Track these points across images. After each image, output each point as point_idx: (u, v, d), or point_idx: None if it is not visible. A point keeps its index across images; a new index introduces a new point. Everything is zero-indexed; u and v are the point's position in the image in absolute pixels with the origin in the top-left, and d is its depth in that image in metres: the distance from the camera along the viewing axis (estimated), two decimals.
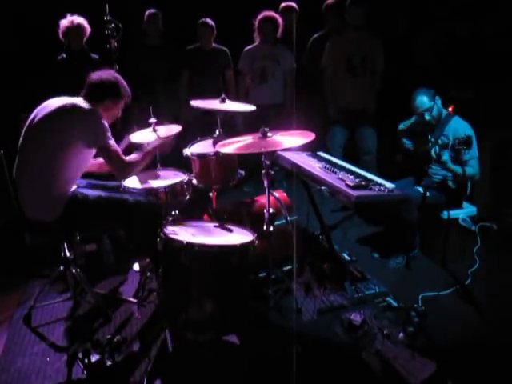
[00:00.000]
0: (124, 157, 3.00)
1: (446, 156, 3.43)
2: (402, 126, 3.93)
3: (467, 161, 3.49)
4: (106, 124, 2.92)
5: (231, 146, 2.73)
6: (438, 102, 3.59)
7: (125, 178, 3.19)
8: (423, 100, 3.55)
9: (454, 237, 3.68)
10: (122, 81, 3.07)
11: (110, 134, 2.92)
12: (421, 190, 3.61)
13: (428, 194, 3.53)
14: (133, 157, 3.08)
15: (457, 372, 2.66)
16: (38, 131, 2.88)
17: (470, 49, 4.84)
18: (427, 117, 3.57)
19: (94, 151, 2.94)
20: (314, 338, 2.97)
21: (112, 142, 2.93)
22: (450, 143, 3.36)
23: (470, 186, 3.73)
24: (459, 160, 3.50)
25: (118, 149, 2.99)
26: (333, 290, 3.40)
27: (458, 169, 3.49)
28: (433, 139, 3.58)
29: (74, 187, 2.99)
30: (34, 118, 2.92)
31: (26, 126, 2.94)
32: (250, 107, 3.57)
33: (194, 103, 3.56)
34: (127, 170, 3.04)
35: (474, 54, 4.76)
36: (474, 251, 3.70)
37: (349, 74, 4.60)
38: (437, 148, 3.49)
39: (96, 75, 3.00)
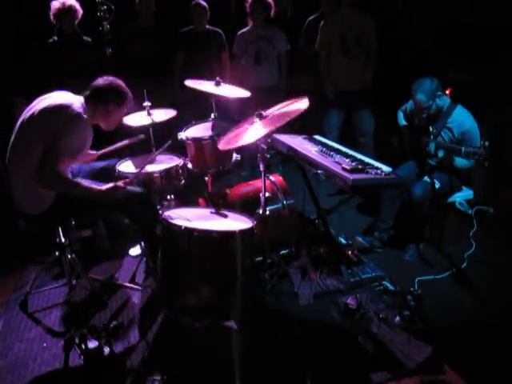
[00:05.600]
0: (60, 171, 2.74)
1: (441, 153, 3.37)
2: (402, 122, 3.82)
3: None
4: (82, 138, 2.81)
5: (234, 140, 2.68)
6: (439, 99, 3.42)
7: (45, 186, 2.79)
8: (422, 98, 3.38)
9: (451, 220, 3.68)
10: (127, 88, 3.01)
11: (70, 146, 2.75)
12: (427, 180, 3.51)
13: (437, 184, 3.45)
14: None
15: (453, 355, 2.67)
16: (31, 122, 2.82)
17: (469, 30, 4.79)
18: (423, 115, 3.48)
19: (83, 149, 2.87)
20: (310, 322, 2.97)
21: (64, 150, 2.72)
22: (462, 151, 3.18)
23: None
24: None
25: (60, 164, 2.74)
26: (329, 273, 3.40)
27: (463, 163, 3.40)
28: (434, 131, 3.48)
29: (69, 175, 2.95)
30: (32, 108, 2.86)
31: (24, 113, 2.88)
32: (245, 93, 3.48)
33: (188, 83, 3.50)
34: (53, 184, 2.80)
35: (473, 36, 4.71)
36: (471, 235, 3.70)
37: (344, 55, 4.55)
38: (433, 145, 3.40)
39: (103, 79, 2.95)
